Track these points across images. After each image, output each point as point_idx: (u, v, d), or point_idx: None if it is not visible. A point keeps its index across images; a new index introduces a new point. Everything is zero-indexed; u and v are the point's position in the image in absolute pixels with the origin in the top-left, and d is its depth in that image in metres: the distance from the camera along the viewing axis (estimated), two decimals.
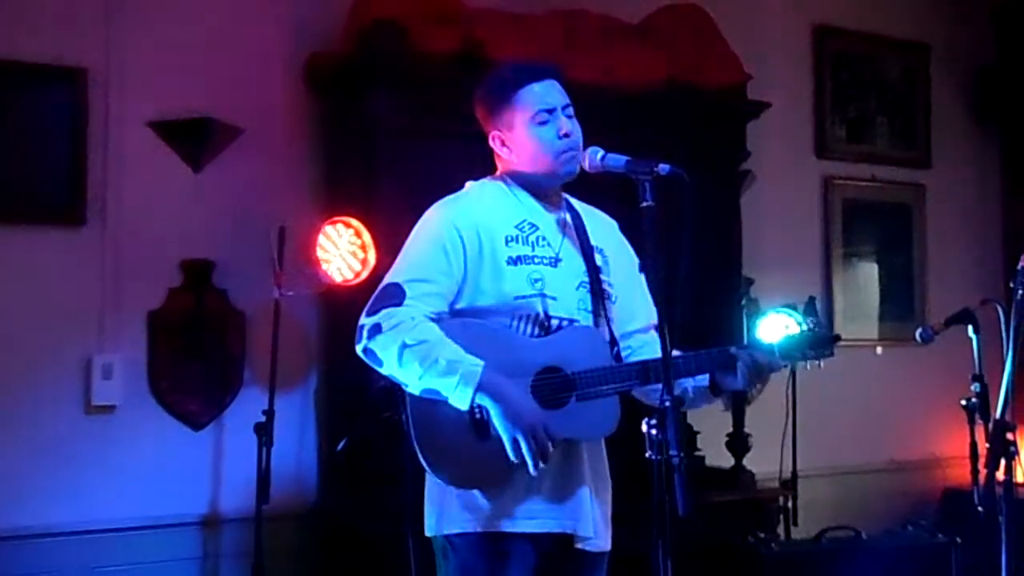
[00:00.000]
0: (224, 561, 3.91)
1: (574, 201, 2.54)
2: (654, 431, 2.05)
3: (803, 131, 5.30)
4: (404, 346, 2.23)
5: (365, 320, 2.30)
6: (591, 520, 2.36)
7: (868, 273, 5.46)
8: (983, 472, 2.73)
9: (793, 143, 5.22)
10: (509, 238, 2.38)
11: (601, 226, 2.56)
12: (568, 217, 2.49)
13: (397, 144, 3.78)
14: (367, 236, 3.69)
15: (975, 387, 3.20)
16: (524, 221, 2.42)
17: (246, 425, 3.69)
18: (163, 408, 3.89)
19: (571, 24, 4.27)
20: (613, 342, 2.44)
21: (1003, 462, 2.68)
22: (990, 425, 2.79)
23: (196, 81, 3.95)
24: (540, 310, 2.35)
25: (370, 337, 2.28)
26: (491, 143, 2.48)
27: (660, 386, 2.08)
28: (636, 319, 2.51)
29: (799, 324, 2.83)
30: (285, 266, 3.72)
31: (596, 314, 2.43)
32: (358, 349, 2.31)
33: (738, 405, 4.42)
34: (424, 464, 2.29)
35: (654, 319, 2.43)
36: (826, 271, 5.31)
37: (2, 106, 3.68)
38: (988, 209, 5.84)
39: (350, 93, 3.97)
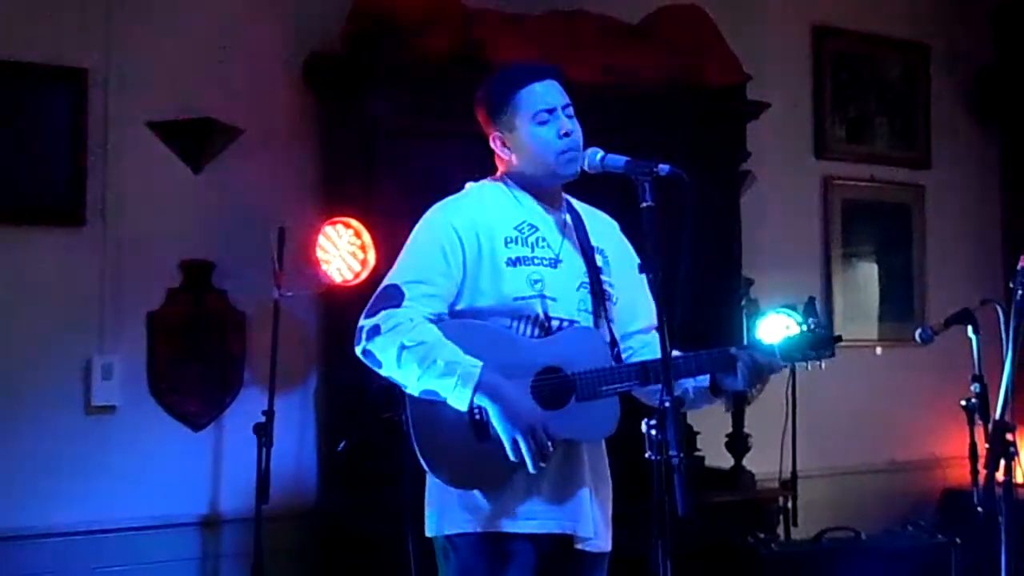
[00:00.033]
0: (224, 561, 3.91)
1: (575, 202, 2.55)
2: (654, 431, 2.06)
3: (803, 131, 5.30)
4: (402, 347, 2.24)
5: (364, 322, 2.31)
6: (591, 521, 2.36)
7: (868, 273, 5.46)
8: (983, 472, 2.72)
9: (793, 143, 5.22)
10: (508, 239, 2.38)
11: (602, 227, 2.56)
12: (568, 218, 2.49)
13: (397, 144, 3.78)
14: (367, 236, 3.69)
15: (975, 387, 3.19)
16: (524, 222, 2.42)
17: (246, 425, 3.69)
18: (163, 408, 3.88)
19: (571, 24, 4.27)
20: (613, 343, 2.44)
21: (1003, 462, 2.68)
22: (990, 425, 2.79)
23: (196, 81, 3.95)
24: (540, 311, 2.36)
25: (369, 339, 2.28)
26: (492, 144, 2.48)
27: (661, 386, 2.08)
28: (637, 319, 2.51)
29: (799, 324, 2.82)
30: (285, 266, 3.72)
31: (596, 315, 2.43)
32: (357, 350, 2.32)
33: (738, 405, 4.42)
34: (424, 465, 2.30)
35: (655, 319, 2.43)
36: (826, 271, 5.31)
37: (2, 106, 3.68)
38: (988, 209, 5.84)
39: (350, 93, 3.97)
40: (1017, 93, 5.67)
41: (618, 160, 2.30)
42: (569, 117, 2.42)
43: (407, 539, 3.05)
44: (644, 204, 2.18)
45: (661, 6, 4.57)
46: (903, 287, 5.51)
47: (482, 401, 2.22)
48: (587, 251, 2.46)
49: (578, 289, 2.42)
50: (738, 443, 4.40)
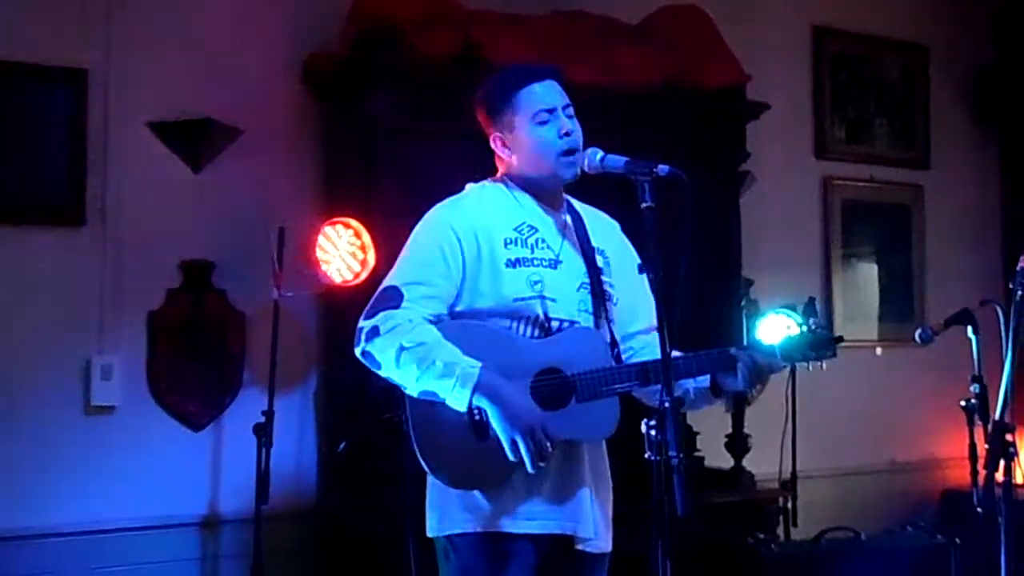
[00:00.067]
0: (224, 561, 3.91)
1: (575, 202, 2.54)
2: (653, 432, 2.06)
3: (802, 132, 5.30)
4: (401, 348, 2.24)
5: (363, 323, 2.31)
6: (591, 521, 2.36)
7: (867, 274, 5.46)
8: (982, 473, 2.72)
9: (792, 144, 5.22)
10: (508, 240, 2.38)
11: (603, 227, 2.56)
12: (569, 219, 2.49)
13: (396, 145, 3.78)
14: (366, 237, 3.69)
15: (974, 388, 3.19)
16: (523, 223, 2.42)
17: (245, 426, 3.69)
18: (162, 409, 3.89)
19: (571, 24, 4.27)
20: (614, 343, 2.43)
21: (1002, 463, 2.68)
22: (989, 426, 2.78)
23: (196, 81, 3.95)
24: (540, 312, 2.36)
25: (368, 340, 2.28)
26: (492, 144, 2.48)
27: (661, 387, 2.08)
28: (638, 320, 2.51)
29: (799, 325, 2.82)
30: (285, 267, 3.72)
31: (597, 315, 2.43)
32: (356, 352, 2.32)
33: (738, 406, 4.42)
34: (424, 465, 2.30)
35: (655, 320, 2.43)
36: (825, 272, 5.31)
37: (2, 106, 3.68)
38: (987, 209, 5.84)
39: (349, 94, 3.97)
40: (1017, 93, 5.67)
41: (618, 160, 2.30)
42: (569, 117, 2.42)
43: (407, 539, 3.05)
44: (644, 204, 2.19)
45: (661, 6, 4.57)
46: (903, 287, 5.51)
47: (481, 402, 2.22)
48: (587, 252, 2.46)
49: (578, 290, 2.42)
50: (738, 443, 4.40)
